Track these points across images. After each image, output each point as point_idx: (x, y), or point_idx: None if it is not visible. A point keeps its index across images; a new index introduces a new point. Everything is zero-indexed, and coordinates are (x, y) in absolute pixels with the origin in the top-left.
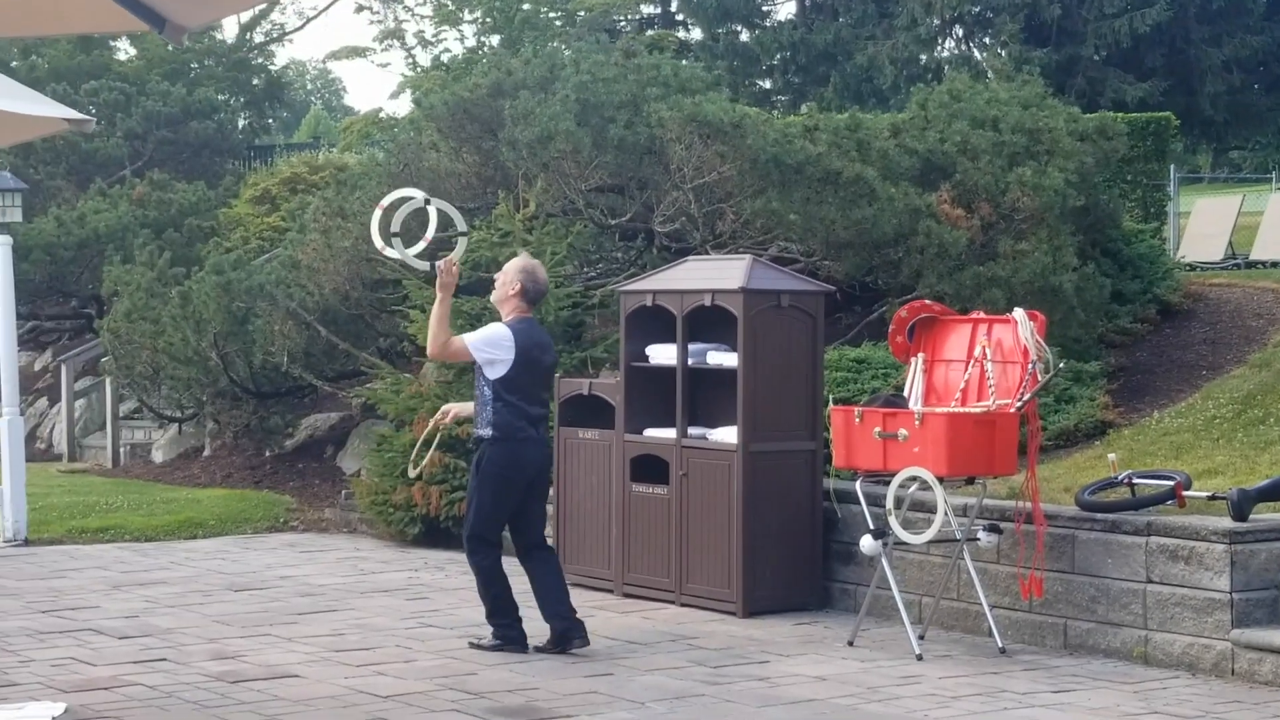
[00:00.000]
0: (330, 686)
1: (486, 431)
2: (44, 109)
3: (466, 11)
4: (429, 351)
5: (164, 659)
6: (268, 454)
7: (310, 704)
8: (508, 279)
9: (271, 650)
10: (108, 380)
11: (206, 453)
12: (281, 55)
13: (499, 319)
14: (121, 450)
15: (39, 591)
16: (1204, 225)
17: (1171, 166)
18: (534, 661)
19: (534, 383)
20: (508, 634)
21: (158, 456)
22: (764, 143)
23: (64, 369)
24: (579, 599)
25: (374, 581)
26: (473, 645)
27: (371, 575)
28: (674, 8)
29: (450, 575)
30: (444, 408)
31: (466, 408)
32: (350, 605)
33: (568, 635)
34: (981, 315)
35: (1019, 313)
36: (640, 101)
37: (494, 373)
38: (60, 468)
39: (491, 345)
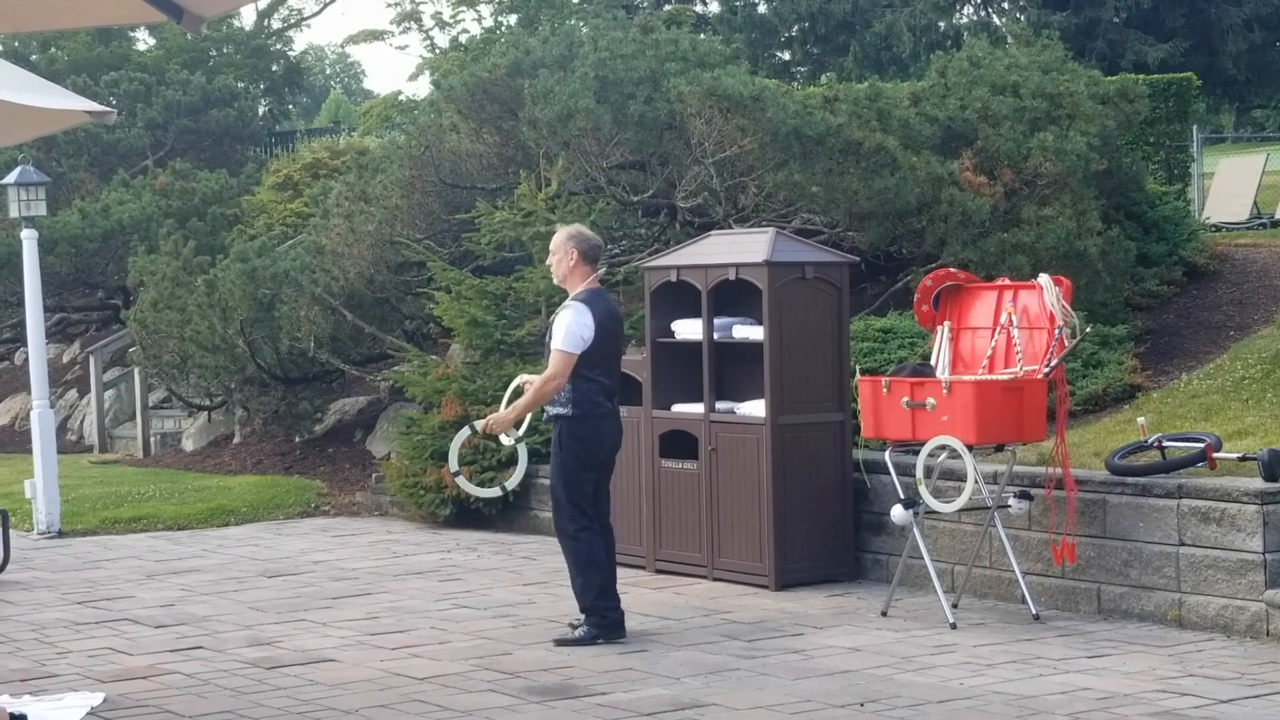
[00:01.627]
0: (366, 670)
1: (566, 409)
2: (65, 102)
3: None
4: (558, 387)
5: (200, 646)
6: (297, 440)
7: (347, 687)
8: (562, 252)
9: (307, 635)
10: (136, 370)
11: (236, 440)
12: (300, 40)
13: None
14: (152, 440)
15: (74, 583)
16: (1228, 185)
17: (1194, 127)
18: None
19: (610, 355)
20: (610, 618)
21: (188, 445)
22: (784, 115)
23: (92, 360)
24: None
25: (407, 564)
26: (562, 643)
27: (404, 558)
28: None
29: (482, 556)
30: (499, 416)
31: (516, 411)
32: (384, 588)
33: (614, 627)
34: (1006, 282)
35: (1044, 278)
36: (659, 77)
37: (582, 347)
38: (91, 459)
39: (573, 334)
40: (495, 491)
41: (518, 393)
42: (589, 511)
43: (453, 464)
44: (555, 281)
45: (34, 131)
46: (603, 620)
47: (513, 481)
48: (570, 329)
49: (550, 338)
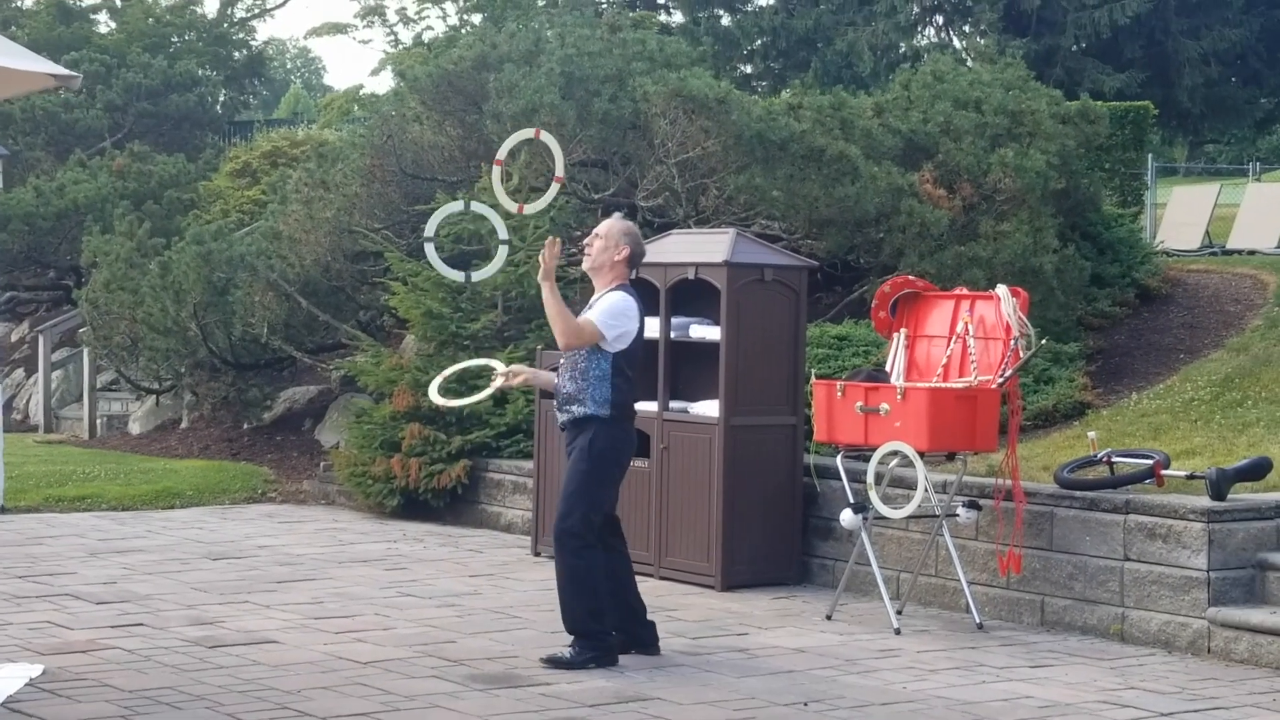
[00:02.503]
0: (309, 652)
1: (603, 410)
2: (31, 64)
3: None
4: (562, 343)
5: (141, 624)
6: (245, 427)
7: (289, 669)
8: (611, 241)
9: (250, 617)
10: (85, 351)
11: (184, 425)
12: (262, 32)
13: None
14: (98, 422)
15: (15, 558)
16: (1181, 214)
17: (1149, 156)
18: (513, 630)
19: (639, 359)
20: (604, 643)
21: (135, 428)
22: (748, 119)
23: (41, 340)
24: None
25: (352, 552)
26: (552, 661)
27: (350, 546)
28: None
29: (429, 547)
30: (515, 368)
31: (542, 376)
32: (329, 574)
33: (647, 641)
34: (964, 291)
35: (1002, 289)
36: (625, 76)
37: (618, 345)
38: (36, 438)
39: (621, 318)
40: (476, 396)
41: (473, 372)
42: (597, 528)
43: (433, 393)
44: (586, 266)
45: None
46: (599, 643)
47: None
48: (620, 316)
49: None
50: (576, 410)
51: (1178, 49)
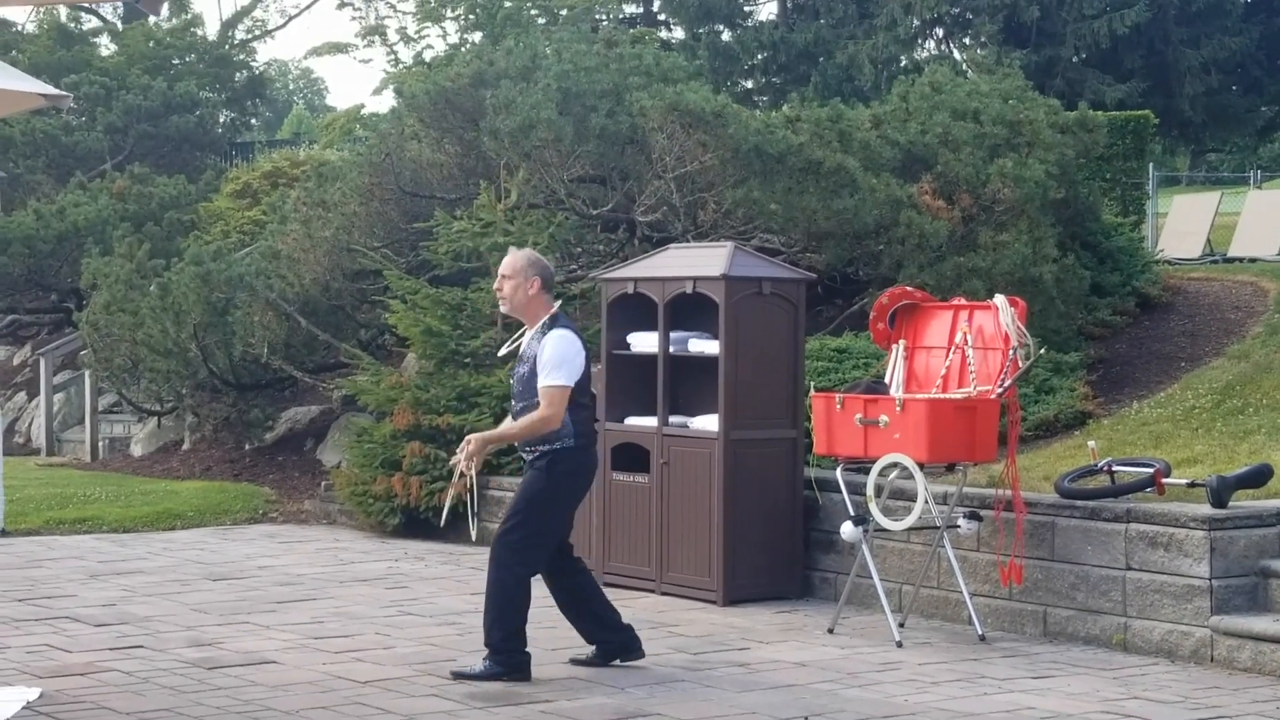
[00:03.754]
0: (308, 672)
1: (570, 441)
2: (21, 84)
3: (449, 9)
4: (549, 430)
5: (140, 646)
6: (247, 447)
7: (288, 689)
8: (520, 279)
9: (249, 638)
10: (87, 374)
11: (186, 446)
12: (263, 53)
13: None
14: (100, 444)
15: (15, 581)
16: (1182, 222)
17: (1150, 165)
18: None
19: (589, 380)
20: (517, 660)
21: (137, 450)
22: (745, 132)
23: (43, 363)
24: None
25: (353, 571)
26: (459, 676)
27: (351, 565)
28: (656, 7)
29: (429, 564)
30: (467, 440)
31: (494, 434)
32: (329, 594)
33: (629, 647)
34: (962, 302)
35: (1000, 299)
36: (622, 91)
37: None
38: (38, 461)
39: (569, 359)
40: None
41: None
42: (544, 554)
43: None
44: (506, 309)
45: None
46: (510, 660)
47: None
48: (568, 360)
49: (525, 368)
50: (544, 448)
51: (1178, 58)
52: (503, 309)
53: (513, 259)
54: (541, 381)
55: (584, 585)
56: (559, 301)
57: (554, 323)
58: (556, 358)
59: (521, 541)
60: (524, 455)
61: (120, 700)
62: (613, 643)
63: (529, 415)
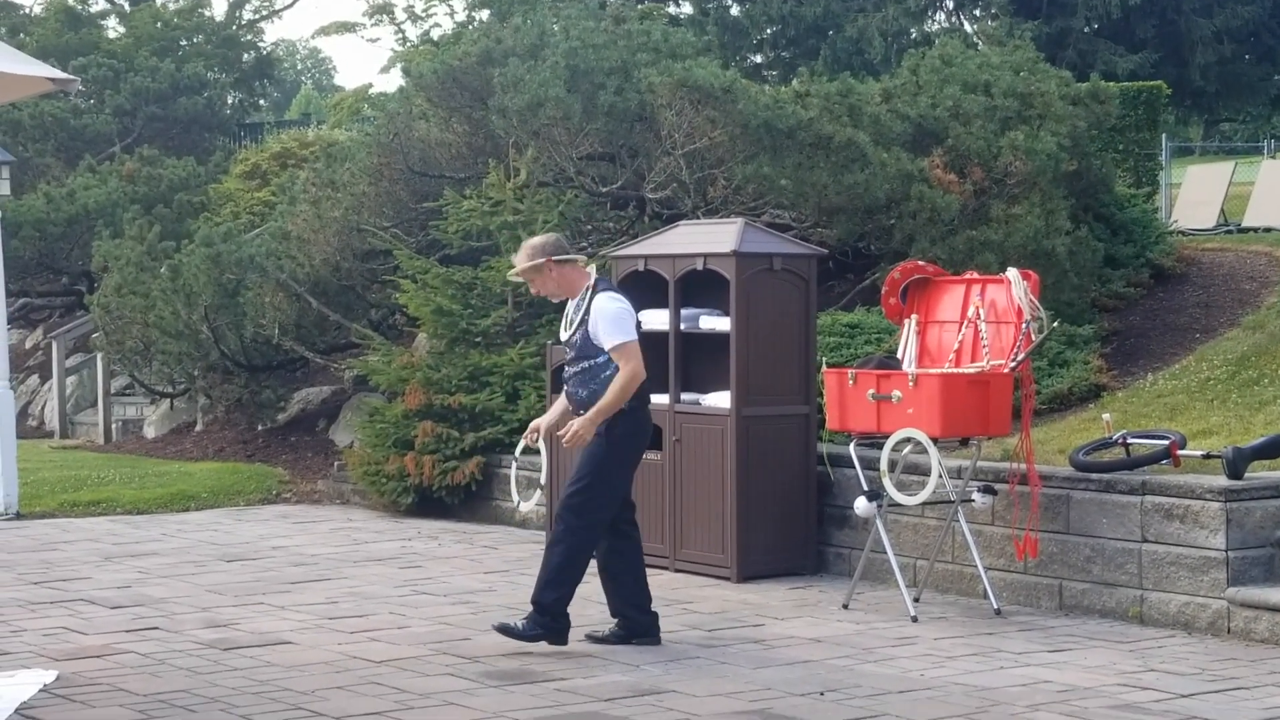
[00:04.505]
0: (323, 653)
1: (624, 405)
2: (30, 68)
3: None
4: (637, 383)
5: (156, 628)
6: (260, 428)
7: (303, 669)
8: (538, 269)
9: (264, 618)
10: (99, 357)
11: (198, 428)
12: (271, 33)
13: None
14: (113, 426)
15: (30, 564)
16: (1196, 193)
17: (1163, 136)
18: None
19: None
20: (561, 625)
21: (150, 432)
22: (755, 107)
23: (55, 346)
24: None
25: (367, 551)
26: (505, 630)
27: (364, 545)
28: None
29: (443, 544)
30: (533, 425)
31: (555, 412)
32: (343, 574)
33: (650, 632)
34: (975, 276)
35: (1012, 272)
36: (630, 67)
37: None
38: (52, 444)
39: (622, 318)
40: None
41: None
42: (607, 518)
43: (514, 495)
44: (557, 298)
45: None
46: (555, 624)
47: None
48: (622, 317)
49: (576, 333)
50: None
51: (1190, 27)
52: (555, 300)
53: (519, 263)
54: (609, 344)
55: (630, 551)
56: (592, 265)
57: (597, 287)
58: (611, 317)
59: (585, 504)
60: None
61: (137, 682)
62: (637, 623)
63: (617, 380)
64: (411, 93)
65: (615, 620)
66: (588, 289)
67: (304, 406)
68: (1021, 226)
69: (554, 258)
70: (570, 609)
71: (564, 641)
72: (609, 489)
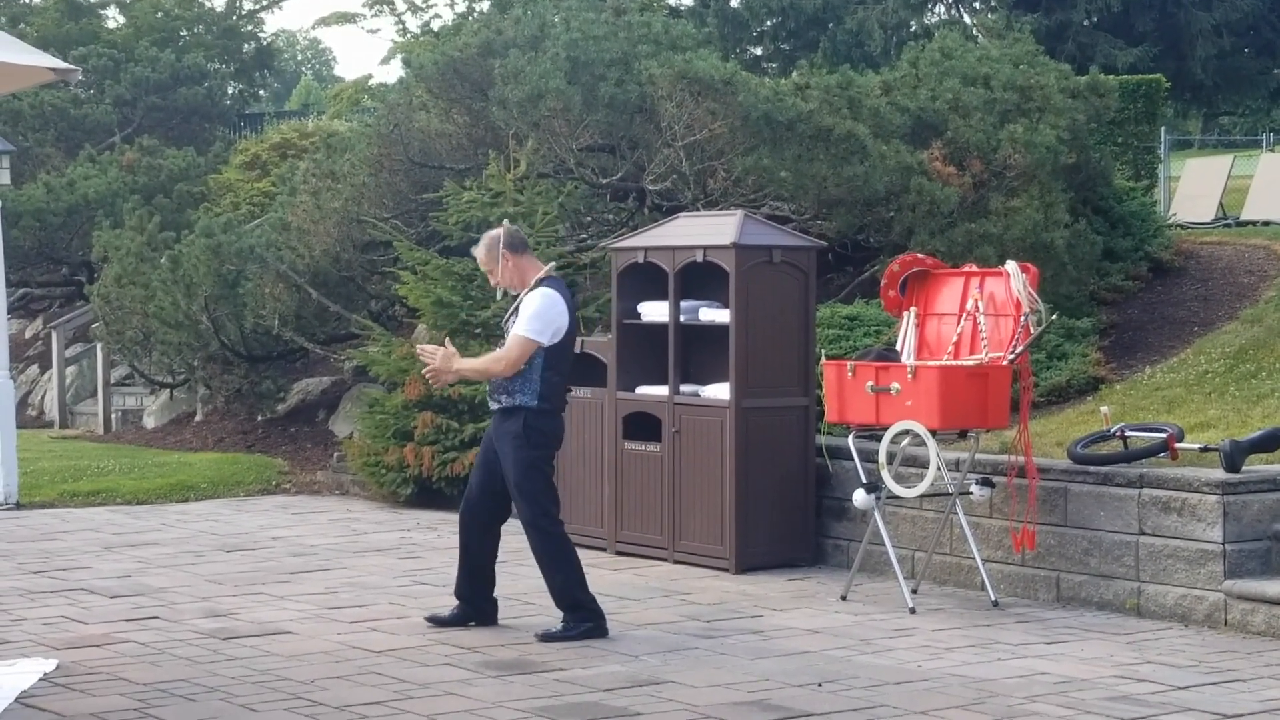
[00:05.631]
0: (323, 642)
1: (533, 402)
2: (30, 58)
3: None
4: (510, 373)
5: (156, 617)
6: (259, 419)
7: (303, 659)
8: (496, 263)
9: (264, 608)
10: (99, 347)
11: (198, 418)
12: (271, 23)
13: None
14: (113, 417)
15: (30, 553)
16: (1194, 186)
17: (1162, 129)
18: (527, 617)
19: (571, 353)
20: (595, 610)
21: (149, 422)
22: (755, 99)
23: (55, 336)
24: None
25: (366, 541)
26: (548, 638)
27: (364, 535)
28: None
29: (442, 535)
30: (437, 362)
31: (463, 365)
32: (343, 564)
33: (487, 613)
34: (974, 268)
35: (1011, 265)
36: (631, 59)
37: (554, 340)
38: (52, 434)
39: (545, 316)
40: None
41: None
42: (557, 508)
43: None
44: (511, 291)
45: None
46: (591, 613)
47: None
48: (545, 316)
49: (511, 319)
50: (505, 400)
51: (1190, 21)
52: (514, 293)
53: (479, 252)
54: (517, 330)
55: (493, 544)
56: (552, 264)
57: (541, 282)
58: (534, 312)
59: (541, 502)
60: (491, 404)
61: (137, 671)
62: (481, 610)
63: (493, 354)
64: (412, 84)
65: (457, 604)
66: (534, 282)
67: (304, 397)
68: (1020, 219)
69: (509, 249)
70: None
71: (606, 631)
72: (548, 485)
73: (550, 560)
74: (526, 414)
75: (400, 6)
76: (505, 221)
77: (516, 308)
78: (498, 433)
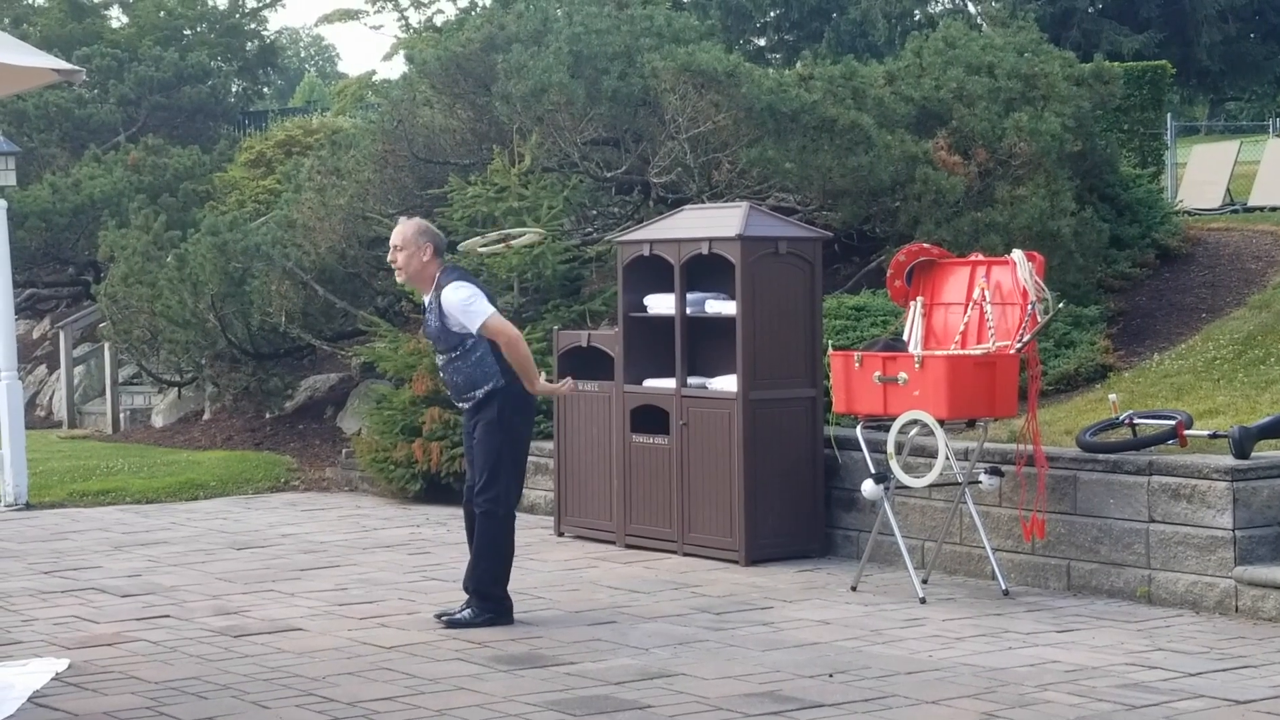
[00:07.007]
0: (333, 639)
1: (499, 380)
2: (34, 60)
3: None
4: (521, 345)
5: (167, 615)
6: (268, 416)
7: (314, 656)
8: (414, 248)
9: (274, 605)
10: (106, 346)
11: (206, 416)
12: (274, 21)
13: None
14: (121, 416)
15: (41, 553)
16: (1201, 172)
17: (1169, 115)
18: (537, 611)
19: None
20: (505, 605)
21: (158, 421)
22: (759, 91)
23: (62, 336)
24: (581, 550)
25: (376, 538)
26: (452, 623)
27: (373, 532)
28: None
29: (452, 530)
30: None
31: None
32: (352, 561)
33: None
34: (980, 258)
35: (1017, 254)
36: (634, 52)
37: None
38: (60, 434)
39: (480, 295)
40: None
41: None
42: (519, 491)
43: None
44: (402, 279)
45: (3, 89)
46: (499, 606)
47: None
48: (470, 301)
49: (433, 320)
50: (478, 393)
51: (1195, 6)
52: (399, 279)
53: (403, 229)
54: (474, 325)
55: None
56: (442, 257)
57: (441, 280)
58: (461, 307)
59: (504, 486)
60: (463, 404)
61: (148, 670)
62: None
63: (507, 350)
64: (415, 79)
65: (466, 599)
66: (438, 281)
67: (311, 394)
68: (1026, 208)
69: (435, 245)
70: (574, 594)
71: (510, 620)
72: (519, 469)
73: (488, 547)
74: (500, 394)
75: (403, 2)
76: (417, 219)
77: (439, 310)
78: (472, 424)
